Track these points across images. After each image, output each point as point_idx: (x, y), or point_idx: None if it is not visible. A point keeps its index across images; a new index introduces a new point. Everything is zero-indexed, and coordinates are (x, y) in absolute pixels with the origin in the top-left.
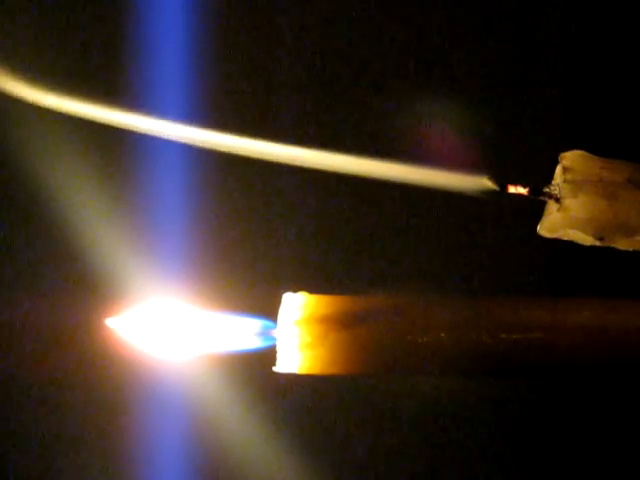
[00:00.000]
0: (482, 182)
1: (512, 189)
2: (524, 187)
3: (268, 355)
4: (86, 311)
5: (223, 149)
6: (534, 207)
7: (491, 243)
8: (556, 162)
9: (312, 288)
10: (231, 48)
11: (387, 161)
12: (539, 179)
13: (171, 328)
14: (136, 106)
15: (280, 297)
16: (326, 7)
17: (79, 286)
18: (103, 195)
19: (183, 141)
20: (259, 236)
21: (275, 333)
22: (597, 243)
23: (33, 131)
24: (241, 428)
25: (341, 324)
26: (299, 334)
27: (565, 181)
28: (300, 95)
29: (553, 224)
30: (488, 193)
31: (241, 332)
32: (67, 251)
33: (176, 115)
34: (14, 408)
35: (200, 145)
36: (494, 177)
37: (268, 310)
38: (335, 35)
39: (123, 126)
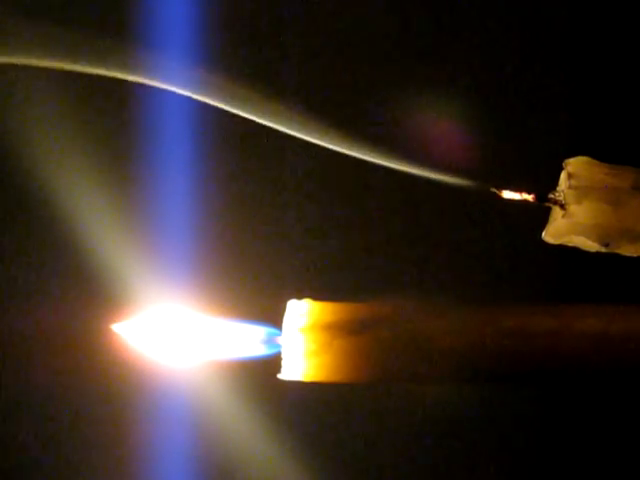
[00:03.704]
0: (487, 189)
1: (517, 195)
2: (529, 193)
3: (273, 362)
4: (92, 317)
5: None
6: (539, 213)
7: (496, 250)
8: (561, 168)
9: (317, 295)
10: (236, 50)
11: (389, 170)
12: (544, 185)
13: (177, 334)
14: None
15: (285, 304)
16: (328, 6)
17: (85, 292)
18: (110, 201)
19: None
20: (264, 243)
21: (280, 340)
22: (602, 249)
23: (38, 133)
24: (246, 435)
25: (346, 331)
26: (304, 341)
27: (570, 187)
28: (302, 97)
29: (558, 230)
30: (493, 199)
31: (246, 339)
32: (74, 257)
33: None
34: (20, 412)
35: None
36: (499, 184)
37: (273, 317)
38: (336, 34)
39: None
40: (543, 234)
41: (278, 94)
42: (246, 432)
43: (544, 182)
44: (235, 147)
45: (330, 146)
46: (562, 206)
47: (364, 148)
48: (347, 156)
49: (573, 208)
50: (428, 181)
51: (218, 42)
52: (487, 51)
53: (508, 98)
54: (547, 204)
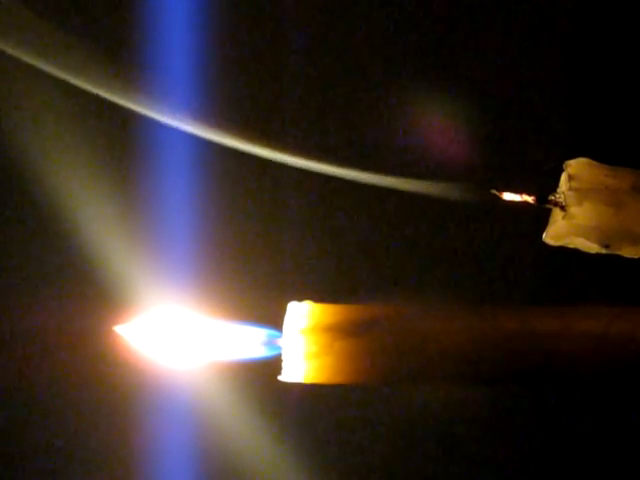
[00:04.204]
0: (488, 190)
1: (517, 197)
2: (529, 195)
3: (274, 364)
4: (95, 318)
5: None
6: (540, 215)
7: (497, 251)
8: (561, 170)
9: (317, 297)
10: (237, 60)
11: (390, 172)
12: (544, 187)
13: (178, 336)
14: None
15: (285, 306)
16: (327, 9)
17: (88, 293)
18: (113, 204)
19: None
20: (265, 246)
21: (281, 342)
22: (603, 251)
23: (45, 139)
24: (246, 436)
25: (347, 333)
26: (304, 343)
27: (570, 189)
28: (302, 104)
29: (559, 232)
30: (493, 202)
31: (247, 341)
32: (77, 259)
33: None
34: (23, 413)
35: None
36: (500, 186)
37: (274, 319)
38: (335, 36)
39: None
40: (544, 236)
41: (276, 94)
42: (247, 433)
43: (544, 184)
44: (237, 151)
45: (325, 167)
46: (562, 208)
47: (363, 155)
48: (346, 161)
49: (573, 210)
50: (429, 187)
51: (216, 49)
52: (487, 53)
53: (508, 100)
54: (547, 206)
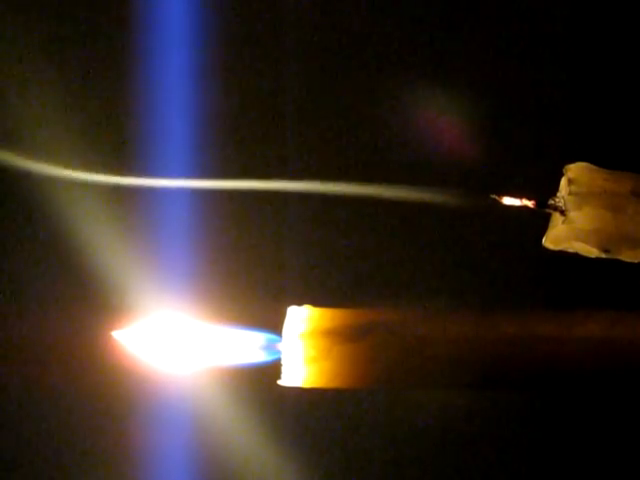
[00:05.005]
0: (487, 195)
1: (517, 202)
2: (529, 199)
3: (273, 368)
4: (93, 323)
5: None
6: (539, 219)
7: (496, 256)
8: (561, 174)
9: (316, 301)
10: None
11: (389, 178)
12: (544, 191)
13: (177, 341)
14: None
15: (285, 311)
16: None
17: (86, 299)
18: (111, 210)
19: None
20: (264, 250)
21: (280, 347)
22: (602, 255)
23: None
24: (245, 441)
25: (346, 337)
26: (304, 347)
27: (570, 193)
28: (299, 100)
29: (558, 236)
30: (493, 206)
31: (246, 346)
32: (75, 265)
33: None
34: (20, 419)
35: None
36: (499, 190)
37: (273, 324)
38: (335, 36)
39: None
40: (543, 240)
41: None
42: (246, 438)
43: (544, 188)
44: (236, 150)
45: (324, 186)
46: (562, 212)
47: (362, 166)
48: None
49: (573, 214)
50: (428, 192)
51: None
52: (486, 57)
53: (508, 104)
54: (547, 210)
